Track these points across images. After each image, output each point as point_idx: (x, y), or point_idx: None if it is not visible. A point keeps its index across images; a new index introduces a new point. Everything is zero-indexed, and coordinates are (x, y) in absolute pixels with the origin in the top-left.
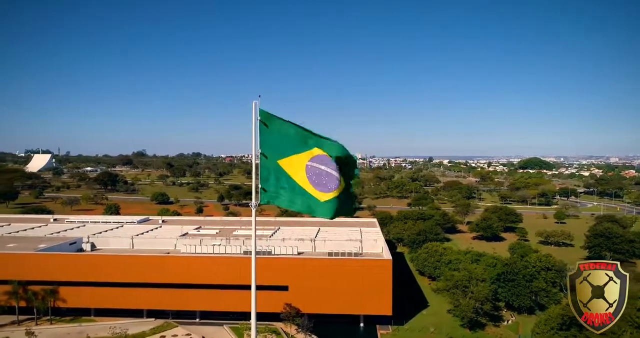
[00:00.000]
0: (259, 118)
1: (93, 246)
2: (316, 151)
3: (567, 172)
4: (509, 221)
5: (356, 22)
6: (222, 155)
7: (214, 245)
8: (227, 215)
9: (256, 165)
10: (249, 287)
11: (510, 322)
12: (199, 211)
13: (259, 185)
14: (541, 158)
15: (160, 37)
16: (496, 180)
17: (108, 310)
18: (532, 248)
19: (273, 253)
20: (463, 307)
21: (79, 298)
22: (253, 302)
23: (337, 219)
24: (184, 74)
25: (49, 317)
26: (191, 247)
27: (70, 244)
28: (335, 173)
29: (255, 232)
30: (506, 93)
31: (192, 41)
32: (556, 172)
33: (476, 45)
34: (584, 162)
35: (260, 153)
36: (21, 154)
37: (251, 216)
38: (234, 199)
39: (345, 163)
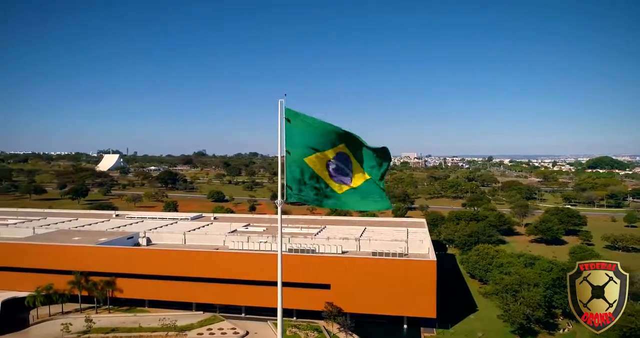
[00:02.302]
0: (285, 116)
1: (149, 241)
2: (340, 148)
3: None
4: (571, 224)
5: (420, 20)
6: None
7: (260, 242)
8: None
9: (282, 163)
10: (292, 284)
11: (566, 330)
12: (252, 209)
13: (285, 183)
14: (613, 157)
15: (220, 39)
16: (560, 180)
17: (160, 302)
18: (594, 253)
19: (317, 251)
20: (513, 313)
21: (134, 289)
22: (279, 299)
23: (383, 218)
24: (244, 74)
25: (107, 306)
26: (239, 243)
27: (128, 239)
28: (352, 166)
29: (281, 229)
30: (574, 87)
31: (253, 42)
32: (630, 172)
33: (541, 40)
34: None
35: (286, 151)
36: (94, 154)
37: (299, 215)
38: None
39: (371, 156)
